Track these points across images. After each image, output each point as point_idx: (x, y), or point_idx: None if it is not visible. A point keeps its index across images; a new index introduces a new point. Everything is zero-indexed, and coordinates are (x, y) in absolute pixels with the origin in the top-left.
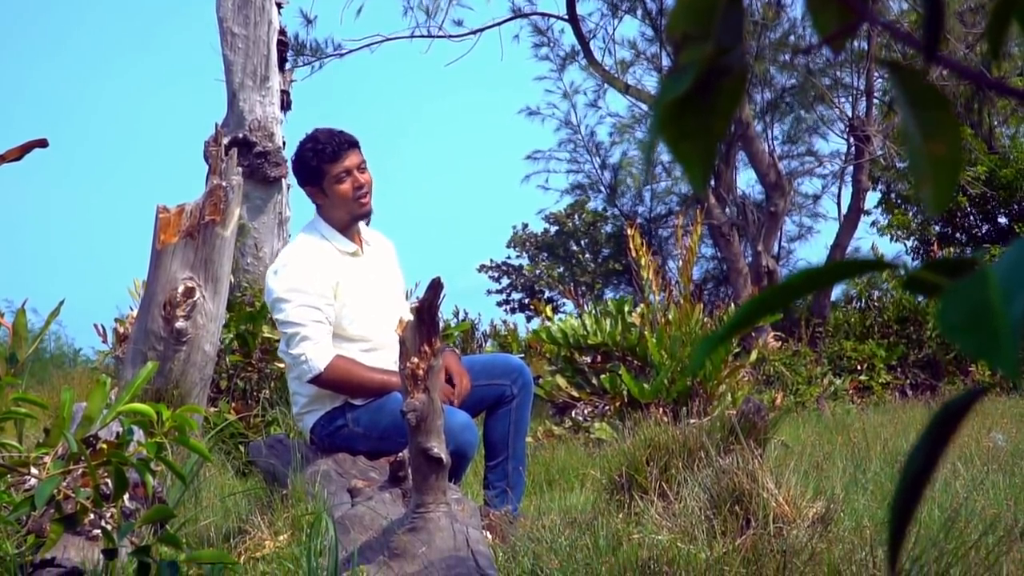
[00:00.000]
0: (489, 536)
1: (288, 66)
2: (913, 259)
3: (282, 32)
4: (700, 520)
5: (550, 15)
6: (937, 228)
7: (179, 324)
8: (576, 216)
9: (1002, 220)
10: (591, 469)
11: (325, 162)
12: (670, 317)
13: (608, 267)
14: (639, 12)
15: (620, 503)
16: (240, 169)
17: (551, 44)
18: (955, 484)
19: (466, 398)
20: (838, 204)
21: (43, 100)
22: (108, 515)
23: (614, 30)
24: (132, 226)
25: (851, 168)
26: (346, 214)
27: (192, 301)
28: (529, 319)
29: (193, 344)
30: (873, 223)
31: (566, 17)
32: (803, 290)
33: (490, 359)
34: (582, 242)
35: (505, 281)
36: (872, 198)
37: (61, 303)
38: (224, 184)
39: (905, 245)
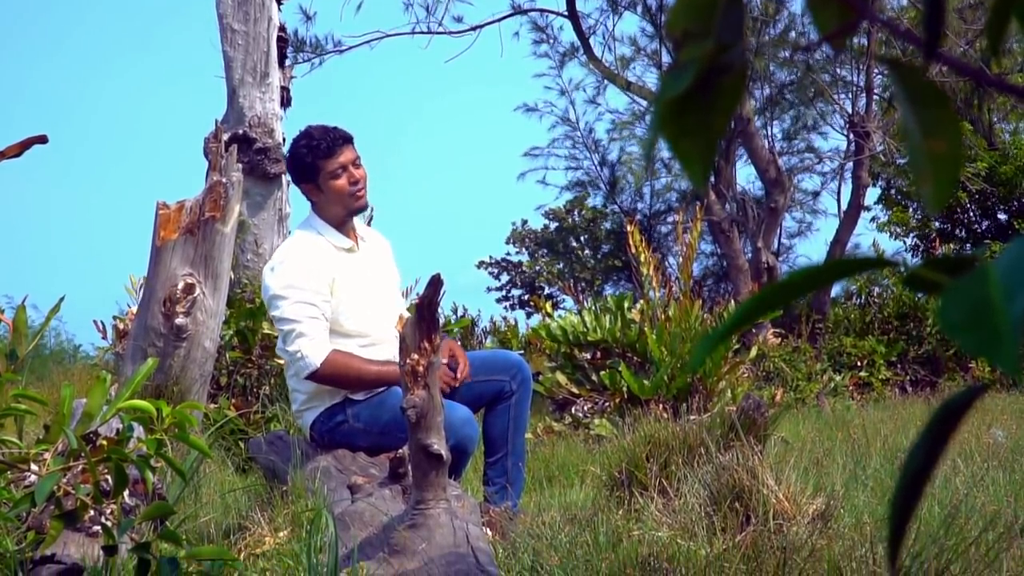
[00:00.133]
0: (489, 532)
1: (288, 62)
2: (913, 255)
3: (282, 28)
4: (700, 516)
5: (550, 11)
6: (937, 224)
7: (179, 320)
8: (576, 212)
9: (1002, 216)
10: (591, 465)
11: (320, 158)
12: (670, 313)
13: (608, 263)
14: (639, 8)
15: (620, 499)
16: (240, 165)
17: (551, 40)
18: (955, 480)
19: (467, 377)
20: (838, 200)
21: (43, 98)
22: (108, 511)
23: (614, 26)
24: (132, 222)
25: (851, 164)
26: (342, 209)
27: (192, 297)
28: (529, 315)
29: (193, 340)
30: (873, 219)
31: (566, 13)
32: (803, 288)
33: (489, 355)
34: (582, 238)
35: (505, 277)
36: (872, 194)
37: (61, 299)
38: (224, 180)
39: (904, 242)
